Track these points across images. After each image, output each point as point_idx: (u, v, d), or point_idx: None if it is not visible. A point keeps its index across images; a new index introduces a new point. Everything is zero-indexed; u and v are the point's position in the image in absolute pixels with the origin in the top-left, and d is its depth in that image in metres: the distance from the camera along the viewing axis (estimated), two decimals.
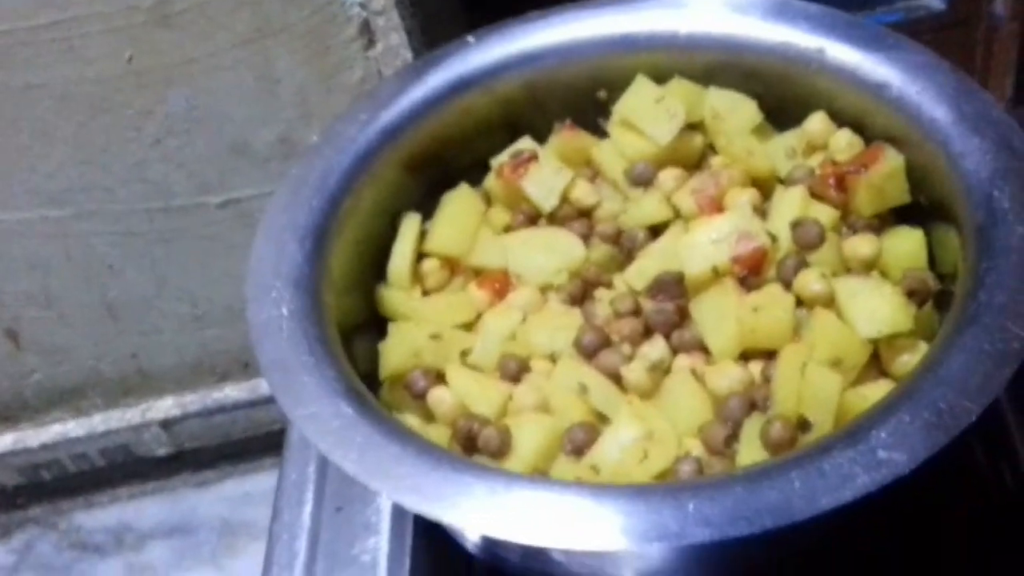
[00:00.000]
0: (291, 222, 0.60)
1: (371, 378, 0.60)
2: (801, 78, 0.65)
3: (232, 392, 1.13)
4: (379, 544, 0.62)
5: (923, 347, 0.53)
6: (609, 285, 0.63)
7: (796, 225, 0.59)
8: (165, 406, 1.14)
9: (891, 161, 0.59)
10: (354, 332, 0.60)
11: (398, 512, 0.63)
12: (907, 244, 0.58)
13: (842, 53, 0.62)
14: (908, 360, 0.53)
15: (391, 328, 0.61)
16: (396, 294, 0.64)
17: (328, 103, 0.92)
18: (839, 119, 0.63)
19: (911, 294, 0.54)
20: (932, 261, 0.58)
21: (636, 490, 0.44)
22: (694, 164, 0.68)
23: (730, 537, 0.39)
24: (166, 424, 1.15)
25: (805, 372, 0.51)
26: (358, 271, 0.63)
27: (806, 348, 0.52)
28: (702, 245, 0.59)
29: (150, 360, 1.09)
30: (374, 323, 0.63)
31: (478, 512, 0.44)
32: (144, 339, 1.06)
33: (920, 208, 0.59)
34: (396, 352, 0.60)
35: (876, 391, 0.51)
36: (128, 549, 1.02)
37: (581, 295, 0.63)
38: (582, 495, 0.44)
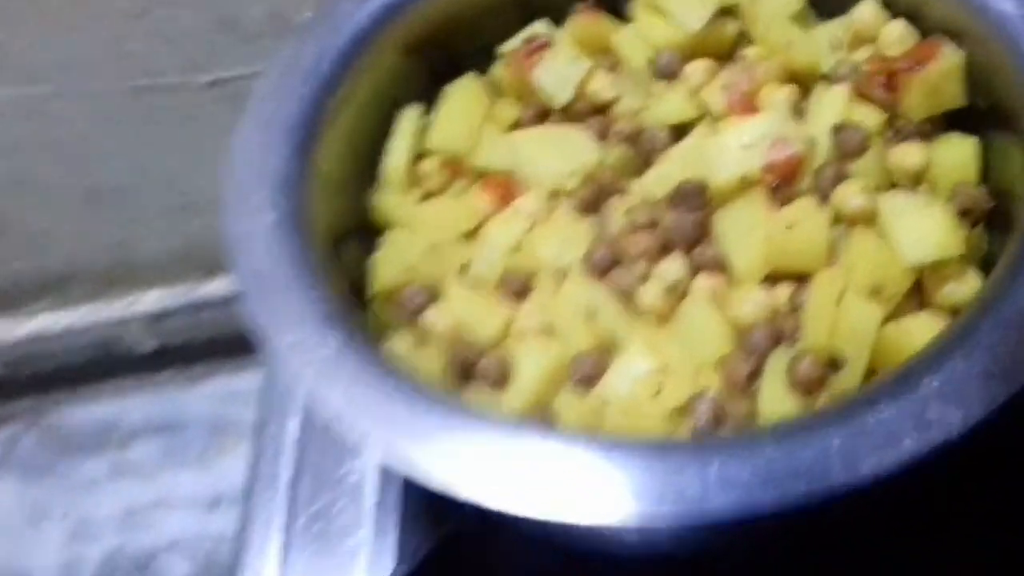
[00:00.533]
0: (278, 112, 0.54)
1: (361, 293, 0.55)
2: None
3: (220, 286, 1.08)
4: (367, 465, 0.58)
5: (973, 275, 0.47)
6: (625, 192, 0.57)
7: (838, 130, 0.52)
8: (151, 299, 1.09)
9: (950, 57, 0.52)
10: (342, 239, 0.55)
11: None
12: (959, 154, 0.52)
13: None
14: (955, 289, 0.47)
15: (384, 238, 0.55)
16: (391, 198, 0.58)
17: None
18: (892, 8, 0.56)
19: (964, 214, 0.48)
20: (986, 174, 0.52)
21: (652, 448, 0.40)
22: (726, 55, 0.60)
23: (759, 505, 0.35)
24: (152, 318, 1.11)
25: (843, 303, 0.45)
26: (350, 170, 0.57)
27: (842, 273, 0.46)
28: (731, 150, 0.53)
29: (135, 251, 1.04)
30: (365, 230, 0.58)
31: (470, 478, 0.39)
32: (128, 228, 1.01)
33: (975, 113, 0.52)
34: (389, 265, 0.55)
35: (918, 325, 0.46)
36: (113, 447, 0.99)
37: (594, 202, 0.57)
38: (591, 450, 0.39)
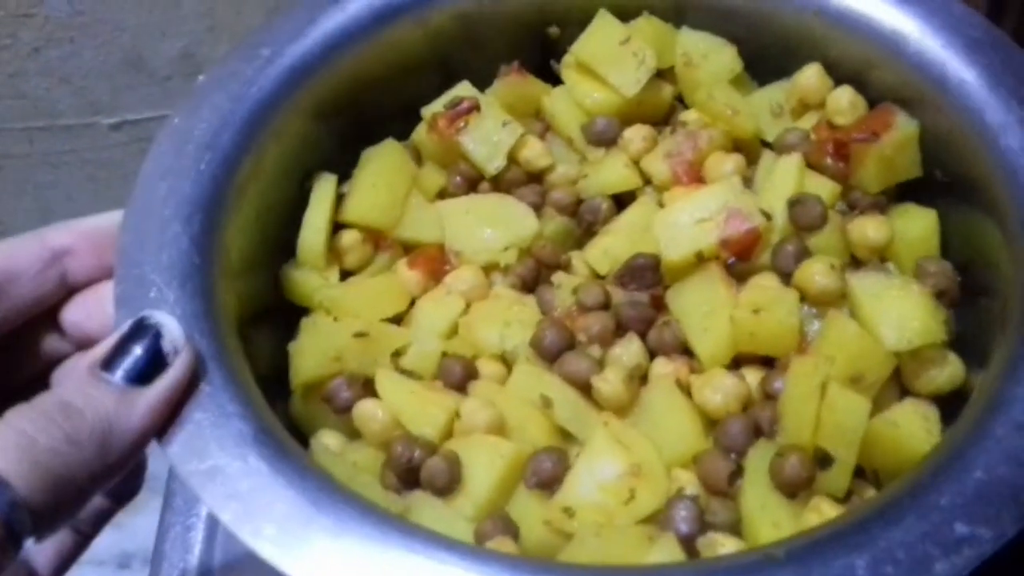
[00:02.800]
0: (174, 193, 0.46)
1: (278, 381, 0.48)
2: (791, 20, 0.55)
3: None
4: None
5: (953, 359, 0.45)
6: (567, 267, 0.53)
7: (795, 203, 0.50)
8: None
9: (904, 128, 0.50)
10: (254, 323, 0.48)
11: None
12: (920, 227, 0.50)
13: None
14: (937, 375, 0.45)
15: (305, 325, 0.49)
16: (308, 276, 0.52)
17: (239, 17, 0.77)
18: (835, 72, 0.54)
19: (940, 295, 0.45)
20: (945, 246, 0.50)
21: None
22: (661, 119, 0.57)
23: None
24: None
25: (826, 394, 0.42)
26: (261, 249, 0.50)
27: (821, 362, 0.43)
28: (684, 225, 0.49)
29: None
30: (279, 310, 0.51)
31: None
32: None
33: (930, 182, 0.51)
34: (312, 356, 0.48)
35: (905, 415, 0.43)
36: None
37: (534, 278, 0.53)
38: None
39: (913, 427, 0.42)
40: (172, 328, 0.38)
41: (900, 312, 0.44)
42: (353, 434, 0.48)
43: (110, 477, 0.36)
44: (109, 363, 0.37)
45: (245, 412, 0.39)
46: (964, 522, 0.33)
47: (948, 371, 0.45)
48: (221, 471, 0.36)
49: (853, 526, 0.34)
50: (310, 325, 0.49)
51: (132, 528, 0.70)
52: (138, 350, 0.37)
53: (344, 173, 0.55)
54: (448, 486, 0.44)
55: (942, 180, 0.50)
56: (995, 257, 0.44)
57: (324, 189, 0.53)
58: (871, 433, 0.42)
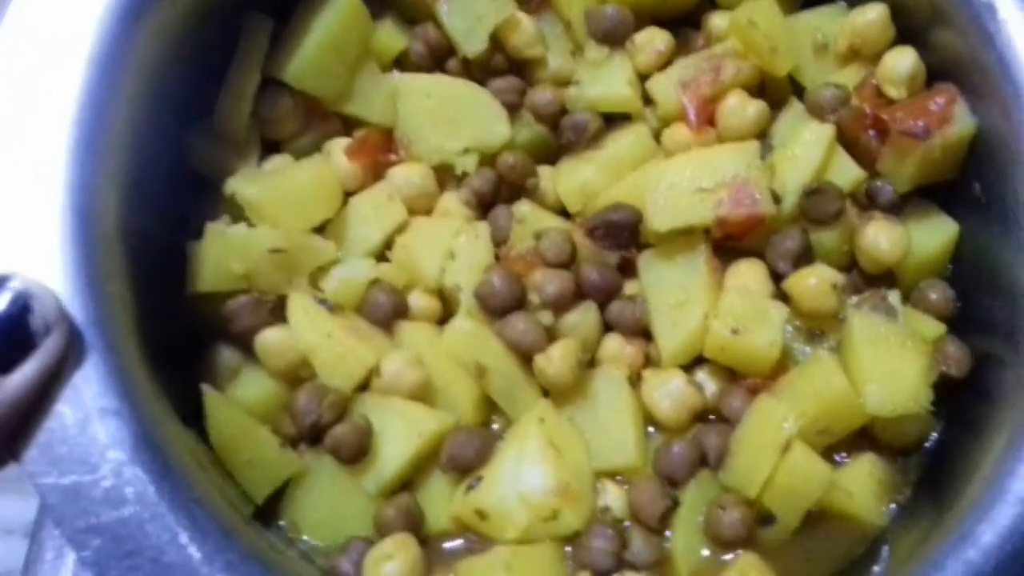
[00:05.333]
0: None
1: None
2: None
3: None
4: None
5: (928, 418, 0.41)
6: (533, 190, 0.45)
7: (812, 192, 0.42)
8: None
9: (962, 125, 0.42)
10: (148, 201, 0.39)
11: None
12: (936, 243, 0.43)
13: None
14: (907, 433, 0.41)
15: (210, 231, 0.40)
16: (223, 152, 0.42)
17: None
18: (901, 22, 0.44)
19: (942, 376, 0.40)
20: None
21: None
22: (686, 18, 0.47)
23: None
24: None
25: (789, 455, 0.38)
26: (164, 111, 0.40)
27: (792, 416, 0.38)
28: (682, 192, 0.42)
29: None
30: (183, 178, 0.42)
31: None
32: None
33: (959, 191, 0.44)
34: (215, 268, 0.40)
35: (860, 482, 0.40)
36: None
37: (492, 196, 0.45)
38: None
39: (865, 496, 0.39)
40: (46, 300, 0.30)
41: (893, 373, 0.39)
42: (249, 354, 0.41)
43: None
44: None
45: (122, 407, 0.32)
46: None
47: (920, 428, 0.41)
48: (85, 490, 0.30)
49: None
50: (217, 233, 0.40)
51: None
52: None
53: (281, 16, 0.43)
54: (355, 457, 0.39)
55: (978, 195, 0.43)
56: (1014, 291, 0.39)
57: (256, 38, 0.43)
58: (822, 498, 0.38)
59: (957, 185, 0.44)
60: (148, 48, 0.38)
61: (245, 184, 0.41)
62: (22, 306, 0.30)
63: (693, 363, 0.42)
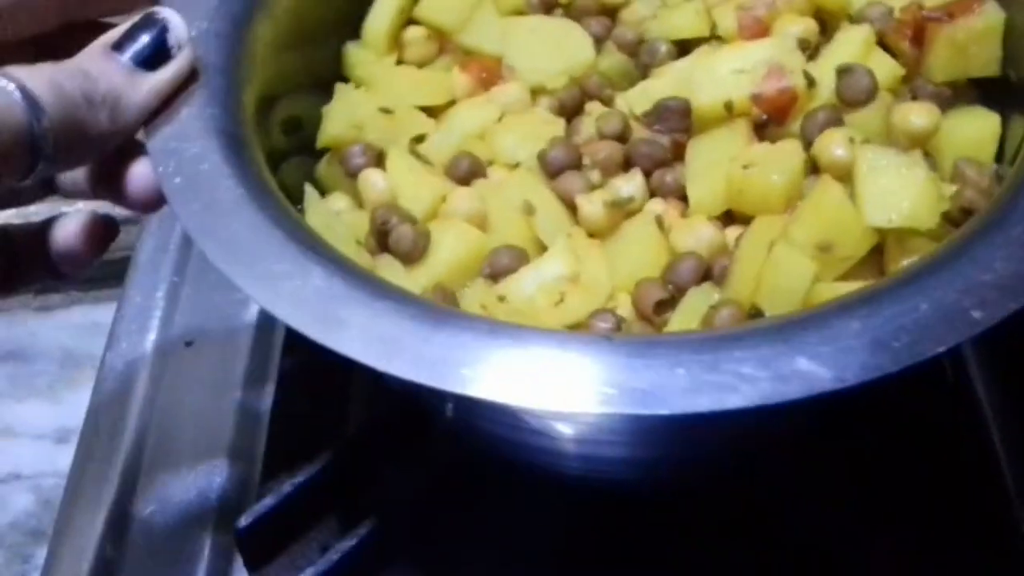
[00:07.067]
0: None
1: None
2: None
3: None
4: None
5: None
6: (610, 102, 0.53)
7: (844, 72, 0.47)
8: (6, 215, 1.02)
9: (988, 16, 0.45)
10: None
11: (260, 348, 0.56)
12: (974, 127, 0.45)
13: None
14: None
15: (338, 90, 0.52)
16: (363, 54, 0.55)
17: None
18: None
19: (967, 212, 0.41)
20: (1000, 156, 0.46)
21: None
22: None
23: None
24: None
25: (772, 252, 0.40)
26: (329, 20, 0.54)
27: (784, 222, 0.41)
28: (720, 73, 0.48)
29: None
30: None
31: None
32: None
33: (1006, 87, 0.46)
34: (338, 120, 0.51)
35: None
36: None
37: (575, 107, 0.53)
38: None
39: None
40: (177, 25, 0.42)
41: (894, 188, 0.41)
42: (358, 201, 0.51)
43: (114, 141, 0.41)
44: (120, 45, 0.42)
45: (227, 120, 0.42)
46: (809, 358, 0.32)
47: None
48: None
49: (711, 337, 0.33)
50: (343, 91, 0.52)
51: (70, 403, 0.72)
52: (145, 38, 0.42)
53: None
54: (411, 254, 0.46)
55: (1015, 82, 0.45)
56: None
57: None
58: (814, 300, 0.40)
59: (997, 84, 0.46)
60: None
61: (370, 65, 0.53)
62: (162, 27, 0.42)
63: (725, 221, 0.46)
